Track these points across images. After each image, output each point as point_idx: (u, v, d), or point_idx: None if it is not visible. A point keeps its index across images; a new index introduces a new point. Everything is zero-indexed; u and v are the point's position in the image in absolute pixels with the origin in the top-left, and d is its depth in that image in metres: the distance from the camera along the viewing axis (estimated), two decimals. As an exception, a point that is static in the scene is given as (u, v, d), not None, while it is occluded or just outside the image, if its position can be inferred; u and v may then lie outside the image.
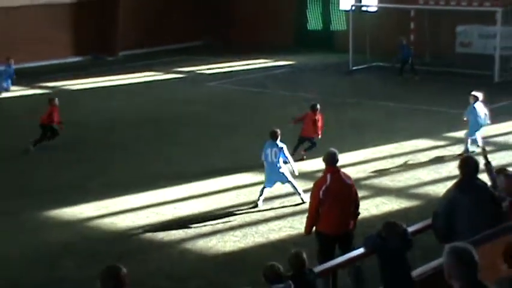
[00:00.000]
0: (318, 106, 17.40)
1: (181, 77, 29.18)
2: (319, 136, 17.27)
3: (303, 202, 13.94)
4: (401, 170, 16.37)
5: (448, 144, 18.29)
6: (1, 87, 25.92)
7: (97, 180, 16.16)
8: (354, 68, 29.07)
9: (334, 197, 10.30)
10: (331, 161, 10.60)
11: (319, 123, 17.29)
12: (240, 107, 23.47)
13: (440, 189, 13.66)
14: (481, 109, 17.20)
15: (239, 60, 31.53)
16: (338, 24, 34.90)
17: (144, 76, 29.30)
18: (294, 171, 14.65)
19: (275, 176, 14.32)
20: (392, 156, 17.52)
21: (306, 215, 10.78)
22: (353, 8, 30.52)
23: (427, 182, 15.58)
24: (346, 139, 18.88)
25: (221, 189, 15.42)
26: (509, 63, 27.42)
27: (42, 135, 18.55)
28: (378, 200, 14.59)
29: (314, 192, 10.43)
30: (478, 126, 17.11)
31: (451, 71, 27.43)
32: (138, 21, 34.97)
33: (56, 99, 19.00)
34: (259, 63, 31.60)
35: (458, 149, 17.50)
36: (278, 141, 14.27)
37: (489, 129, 19.38)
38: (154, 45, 35.28)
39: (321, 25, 35.71)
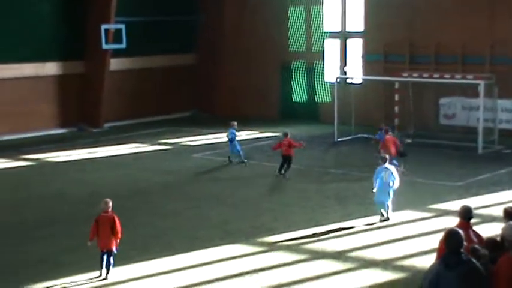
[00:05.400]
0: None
1: (167, 149, 29.15)
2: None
3: (387, 219, 17.41)
4: (388, 242, 16.27)
5: (434, 216, 18.21)
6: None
7: (75, 254, 15.65)
8: (339, 139, 29.18)
9: None
10: (464, 215, 10.72)
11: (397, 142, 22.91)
12: (226, 179, 23.39)
13: (427, 261, 13.56)
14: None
15: (225, 132, 31.53)
16: (323, 96, 35.22)
17: (129, 148, 29.27)
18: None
19: (383, 195, 17.14)
20: (378, 228, 17.42)
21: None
22: (338, 80, 30.80)
23: (414, 253, 15.44)
24: (329, 210, 18.90)
25: (207, 262, 15.23)
26: (492, 135, 27.59)
27: (287, 164, 22.95)
28: (364, 272, 14.45)
29: (440, 244, 10.24)
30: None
31: (435, 143, 27.55)
32: (124, 93, 35.15)
33: (289, 132, 23.69)
34: (245, 134, 31.63)
35: (443, 221, 17.44)
36: (387, 164, 17.23)
37: (474, 202, 19.39)
38: (139, 116, 35.41)
39: (306, 97, 36.02)
